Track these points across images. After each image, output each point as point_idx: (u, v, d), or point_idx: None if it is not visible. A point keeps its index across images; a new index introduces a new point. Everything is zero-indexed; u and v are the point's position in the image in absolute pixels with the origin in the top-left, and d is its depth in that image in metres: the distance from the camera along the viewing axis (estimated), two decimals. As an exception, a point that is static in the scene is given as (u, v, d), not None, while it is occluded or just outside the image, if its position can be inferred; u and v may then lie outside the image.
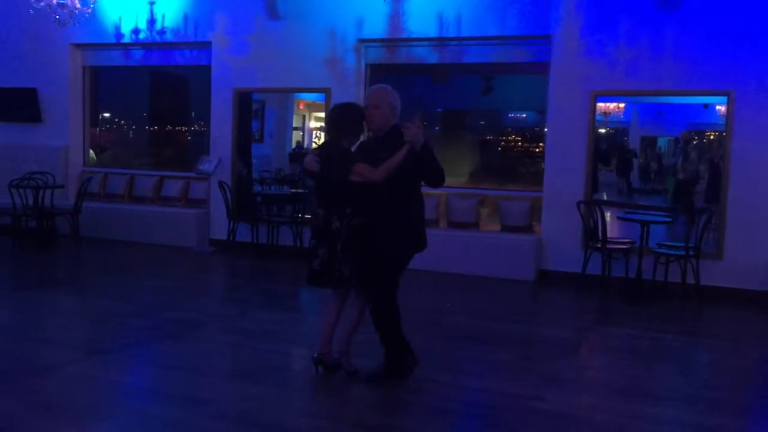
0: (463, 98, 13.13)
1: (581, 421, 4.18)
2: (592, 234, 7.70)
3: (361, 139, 4.65)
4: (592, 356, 5.93)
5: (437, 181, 4.44)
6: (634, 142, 13.48)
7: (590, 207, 7.81)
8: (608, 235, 7.61)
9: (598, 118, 11.34)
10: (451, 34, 8.50)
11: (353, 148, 4.51)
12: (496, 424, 4.13)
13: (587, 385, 4.97)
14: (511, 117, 14.49)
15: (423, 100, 12.69)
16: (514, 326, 6.36)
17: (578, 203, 7.79)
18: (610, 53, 7.81)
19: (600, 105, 11.24)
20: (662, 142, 13.40)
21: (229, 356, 5.38)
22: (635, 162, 13.23)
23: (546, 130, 8.34)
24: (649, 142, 13.60)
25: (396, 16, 8.62)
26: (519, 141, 14.11)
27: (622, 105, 12.30)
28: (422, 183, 4.50)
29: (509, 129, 14.47)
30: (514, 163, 13.43)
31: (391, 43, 8.89)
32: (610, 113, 12.41)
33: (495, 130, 14.26)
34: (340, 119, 4.46)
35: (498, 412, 4.30)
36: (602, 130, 12.59)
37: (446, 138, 13.48)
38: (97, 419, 4.00)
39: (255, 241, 9.34)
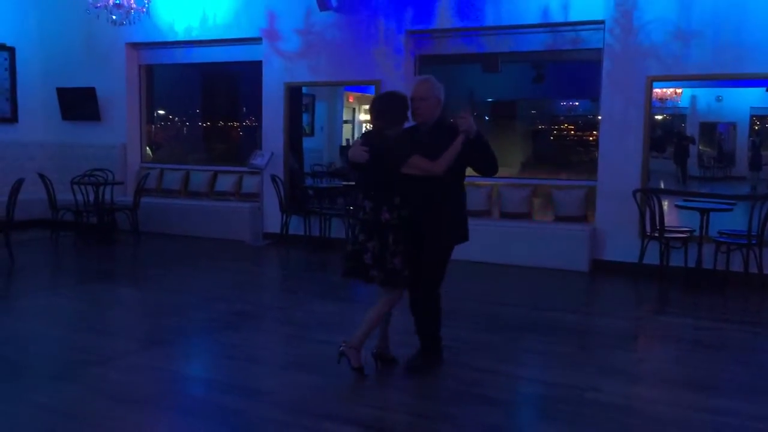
0: (514, 87, 12.99)
1: (640, 413, 4.10)
2: (650, 223, 7.52)
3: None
4: (650, 347, 5.80)
5: (492, 169, 4.46)
6: (692, 129, 13.12)
7: (647, 195, 7.63)
8: (666, 224, 7.43)
9: (654, 104, 11.08)
10: (501, 22, 8.40)
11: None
12: (552, 415, 4.08)
13: (645, 376, 4.86)
14: (563, 105, 14.27)
15: (473, 89, 12.60)
16: (569, 317, 6.26)
17: (634, 192, 7.63)
18: (665, 37, 7.60)
19: (656, 91, 10.99)
20: (723, 128, 13.01)
21: (285, 346, 5.44)
22: (692, 149, 12.88)
23: (600, 117, 8.16)
24: (708, 128, 13.23)
25: (444, 7, 8.57)
26: (572, 129, 13.89)
27: (679, 90, 11.97)
28: (476, 172, 4.52)
29: (561, 117, 14.26)
30: (567, 152, 13.23)
31: (439, 33, 8.84)
32: (666, 99, 12.08)
33: (547, 118, 14.07)
34: (385, 108, 4.40)
35: (554, 402, 4.24)
36: (659, 117, 12.29)
37: (498, 128, 13.36)
38: (159, 407, 4.10)
39: (307, 233, 9.43)
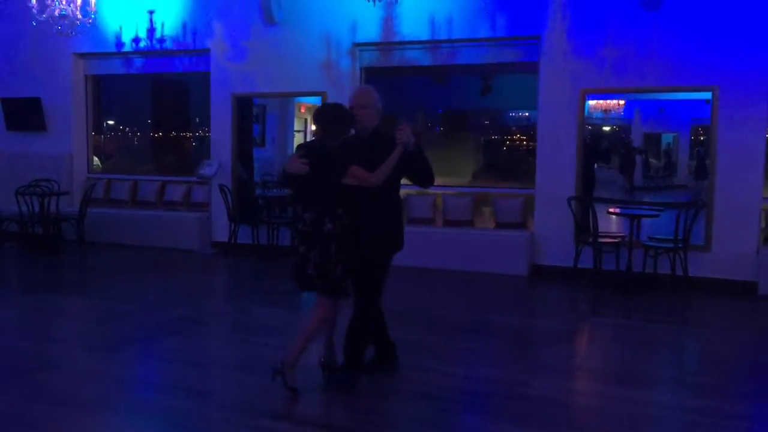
0: (462, 98, 13.32)
1: (565, 404, 4.39)
2: (583, 229, 7.89)
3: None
4: (581, 345, 6.12)
5: (428, 181, 4.59)
6: (636, 139, 13.61)
7: (581, 203, 8.01)
8: (605, 230, 7.81)
9: (597, 115, 11.51)
10: (443, 36, 8.70)
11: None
12: (483, 408, 4.35)
13: (575, 372, 5.16)
14: (511, 116, 14.67)
15: (423, 100, 12.90)
16: (506, 319, 6.55)
17: (569, 199, 7.99)
18: (597, 52, 8.01)
19: (600, 102, 11.44)
20: (667, 138, 13.48)
21: (229, 350, 5.60)
22: (639, 159, 13.34)
23: (537, 128, 8.53)
24: (651, 139, 13.73)
25: (389, 20, 8.84)
26: (523, 139, 14.27)
27: (622, 102, 12.45)
28: (412, 183, 4.67)
29: (510, 128, 14.64)
30: (513, 162, 13.59)
31: (384, 46, 9.10)
32: (610, 110, 12.55)
33: (497, 128, 14.38)
34: (331, 120, 4.40)
35: (486, 397, 4.52)
36: (606, 128, 12.75)
37: (449, 138, 13.65)
38: (105, 410, 4.21)
39: (255, 242, 9.56)
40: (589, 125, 10.12)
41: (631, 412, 4.27)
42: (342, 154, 4.32)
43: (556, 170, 8.27)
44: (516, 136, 13.92)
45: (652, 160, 13.54)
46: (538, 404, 4.32)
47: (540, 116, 8.45)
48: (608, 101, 11.95)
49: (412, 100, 12.51)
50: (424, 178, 4.59)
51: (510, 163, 13.18)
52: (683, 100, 11.41)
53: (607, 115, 12.61)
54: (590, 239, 7.81)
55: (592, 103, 9.77)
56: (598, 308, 7.36)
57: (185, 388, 4.52)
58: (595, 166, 9.68)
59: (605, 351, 5.90)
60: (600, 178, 10.76)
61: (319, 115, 4.47)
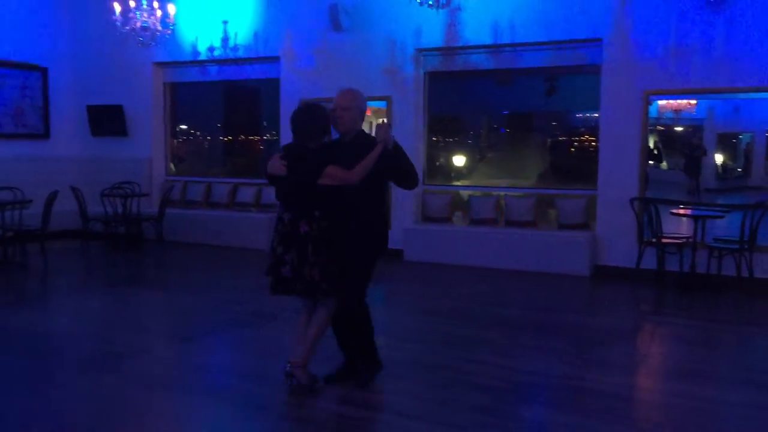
0: (527, 100, 13.37)
1: (622, 398, 4.50)
2: (646, 230, 7.91)
3: (325, 140, 4.50)
4: (641, 343, 6.18)
5: (409, 182, 4.50)
6: (710, 140, 13.34)
7: (644, 204, 8.03)
8: (670, 232, 7.81)
9: (668, 115, 11.35)
10: (506, 40, 8.86)
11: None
12: (537, 399, 4.53)
13: (630, 367, 5.25)
14: (578, 117, 14.58)
15: (488, 103, 13.03)
16: (566, 317, 6.66)
17: (632, 200, 8.02)
18: (660, 53, 8.02)
19: (671, 102, 11.29)
20: (745, 138, 13.12)
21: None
22: (706, 160, 13.06)
23: (599, 129, 8.58)
24: (725, 139, 13.42)
25: (452, 26, 9.05)
26: (588, 141, 14.17)
27: (693, 102, 12.25)
28: (396, 185, 4.57)
29: (576, 129, 14.57)
30: (580, 163, 13.53)
31: (447, 51, 9.32)
32: (681, 110, 12.36)
33: (560, 130, 14.32)
34: (306, 122, 4.34)
35: (540, 389, 4.69)
36: (678, 128, 12.55)
37: (513, 139, 13.70)
38: (185, 392, 4.58)
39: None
40: (661, 126, 10.06)
41: (692, 407, 4.35)
42: (317, 156, 4.27)
43: (619, 171, 8.32)
44: (582, 137, 13.85)
45: (724, 160, 13.21)
46: (592, 397, 4.46)
47: (602, 118, 8.51)
48: (679, 101, 11.78)
49: (476, 102, 12.67)
50: (404, 179, 4.49)
51: (576, 164, 13.14)
52: (761, 99, 11.16)
53: (677, 115, 12.41)
54: (653, 240, 7.82)
55: (662, 103, 9.67)
56: (660, 308, 7.39)
57: (258, 374, 4.85)
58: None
59: (666, 348, 5.97)
60: (665, 180, 10.63)
61: (295, 117, 4.39)
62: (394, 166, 4.36)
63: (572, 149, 14.02)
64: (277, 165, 4.31)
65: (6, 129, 10.90)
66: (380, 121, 4.14)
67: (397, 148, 4.38)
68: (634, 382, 4.94)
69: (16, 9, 10.90)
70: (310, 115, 4.37)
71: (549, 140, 14.24)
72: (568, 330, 6.24)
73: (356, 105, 4.41)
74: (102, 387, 4.63)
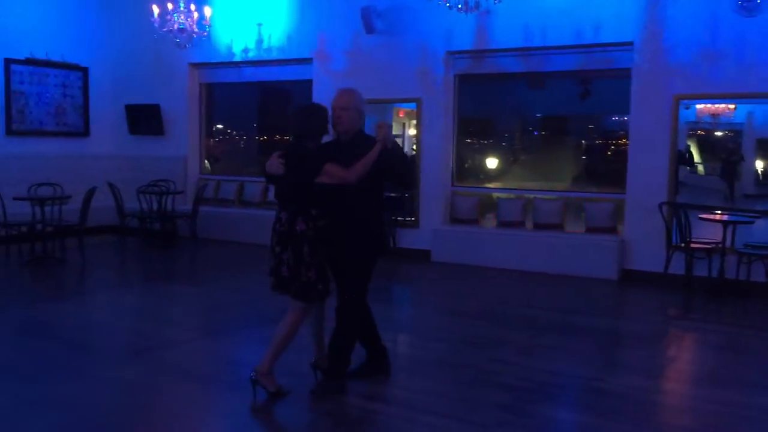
0: (560, 103, 13.34)
1: (642, 401, 4.54)
2: (675, 234, 7.89)
3: (324, 140, 4.51)
4: (666, 347, 6.17)
5: (405, 183, 4.53)
6: (748, 145, 13.15)
7: (673, 208, 8.01)
8: (699, 237, 7.79)
9: (706, 119, 11.24)
10: (536, 44, 8.90)
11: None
12: (558, 398, 4.60)
13: (654, 371, 5.27)
14: (615, 120, 14.48)
15: (520, 105, 13.04)
16: (592, 320, 6.69)
17: (660, 204, 8.01)
18: (691, 58, 7.99)
19: (708, 107, 11.18)
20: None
21: (326, 338, 6.04)
22: (744, 165, 12.87)
23: (629, 133, 8.58)
24: (766, 145, 13.21)
25: (482, 29, 9.12)
26: (622, 144, 14.06)
27: (732, 106, 12.11)
28: (393, 186, 4.64)
29: (611, 132, 14.47)
30: (613, 166, 13.44)
31: (478, 54, 9.39)
32: (719, 115, 12.22)
33: (595, 133, 14.23)
34: (304, 120, 4.34)
35: (562, 389, 4.76)
36: (718, 133, 12.38)
37: (549, 143, 13.66)
38: (215, 383, 4.76)
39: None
40: (701, 131, 9.97)
41: (715, 411, 4.38)
42: (309, 155, 4.28)
43: (648, 175, 8.30)
44: (617, 140, 13.76)
45: (766, 167, 13.00)
46: (612, 398, 4.51)
47: (632, 121, 8.51)
48: (716, 105, 11.66)
49: (508, 105, 12.69)
50: (400, 179, 4.56)
51: (610, 168, 13.06)
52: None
53: (715, 119, 12.28)
54: (682, 245, 7.80)
55: (699, 107, 9.64)
56: (687, 312, 7.37)
57: (285, 368, 4.96)
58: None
59: (692, 353, 5.98)
60: (702, 185, 10.54)
61: (293, 116, 4.41)
62: (392, 165, 4.34)
63: (608, 152, 13.91)
64: (275, 164, 4.31)
65: (48, 127, 11.26)
66: (380, 121, 4.12)
67: (396, 148, 4.39)
68: (656, 385, 4.96)
69: (59, 11, 11.24)
70: (309, 114, 4.37)
71: (584, 143, 14.18)
72: (593, 332, 6.28)
73: (354, 105, 4.40)
74: (135, 377, 4.81)
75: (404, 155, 4.48)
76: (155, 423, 4.21)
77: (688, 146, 8.86)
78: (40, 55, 10.98)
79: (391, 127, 4.24)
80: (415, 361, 5.35)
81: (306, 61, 10.51)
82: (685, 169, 9.38)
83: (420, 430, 4.02)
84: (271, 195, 11.16)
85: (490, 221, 9.75)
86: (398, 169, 4.43)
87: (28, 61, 10.87)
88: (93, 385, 4.65)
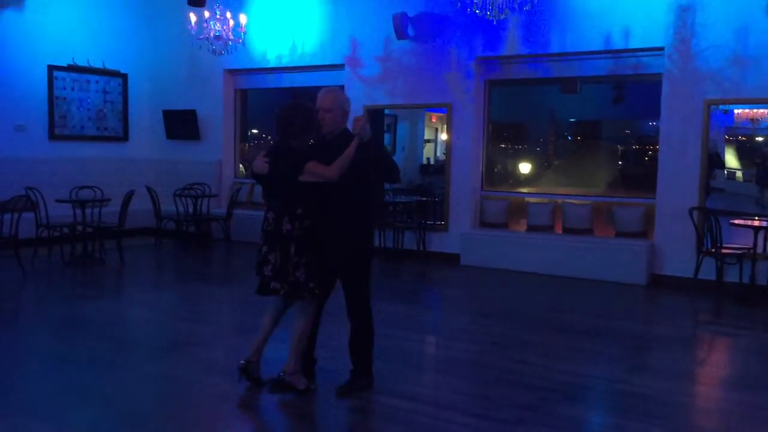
0: (594, 108, 13.30)
1: (660, 402, 4.57)
2: (705, 240, 7.86)
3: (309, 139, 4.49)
4: (691, 351, 6.16)
5: (391, 175, 4.52)
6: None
7: (704, 213, 7.98)
8: (730, 243, 7.76)
9: (745, 124, 11.12)
10: (566, 49, 8.95)
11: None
12: (580, 399, 4.66)
13: (679, 374, 5.28)
14: (645, 125, 14.37)
15: (553, 110, 13.04)
16: (619, 323, 6.71)
17: (690, 210, 7.99)
18: (722, 62, 7.97)
19: (746, 111, 11.04)
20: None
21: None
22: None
23: (659, 138, 8.57)
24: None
25: (512, 35, 9.20)
26: (655, 149, 13.92)
27: (769, 111, 11.95)
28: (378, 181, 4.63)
29: (645, 137, 14.36)
30: (645, 171, 13.34)
31: (507, 59, 9.46)
32: (758, 119, 12.07)
33: (629, 138, 14.14)
34: (289, 120, 4.32)
35: (584, 390, 4.82)
36: (759, 138, 12.23)
37: (582, 147, 13.64)
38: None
39: (382, 245, 10.17)
40: (742, 136, 9.87)
41: (740, 414, 4.41)
42: (292, 154, 4.27)
43: (678, 180, 8.29)
44: (652, 145, 13.64)
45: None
46: (636, 400, 4.55)
47: (663, 127, 8.50)
48: (755, 110, 11.53)
49: (540, 109, 12.71)
50: (384, 172, 4.53)
51: (643, 172, 12.96)
52: None
53: (754, 125, 12.13)
54: (712, 250, 7.77)
55: (737, 111, 9.56)
56: (717, 317, 7.34)
57: (318, 367, 5.12)
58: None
59: (719, 357, 5.98)
60: (739, 191, 10.40)
61: (278, 115, 4.38)
62: (372, 159, 4.32)
63: (645, 158, 13.80)
64: (261, 163, 4.32)
65: (89, 132, 11.62)
66: (358, 116, 4.08)
67: (375, 141, 4.36)
68: (682, 387, 4.98)
69: (99, 19, 11.60)
70: (293, 113, 4.34)
71: (620, 148, 14.08)
72: (620, 336, 6.31)
73: (338, 106, 4.41)
74: (168, 372, 5.00)
75: (385, 149, 4.51)
76: (188, 414, 4.39)
77: (717, 151, 8.78)
78: (82, 62, 11.35)
79: (367, 120, 4.30)
80: (441, 360, 5.46)
81: (338, 66, 10.68)
82: (722, 174, 9.28)
83: (444, 427, 4.12)
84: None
85: (519, 225, 9.80)
86: (380, 162, 4.41)
87: (70, 68, 11.25)
88: (130, 378, 4.86)
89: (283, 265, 4.27)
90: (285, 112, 4.35)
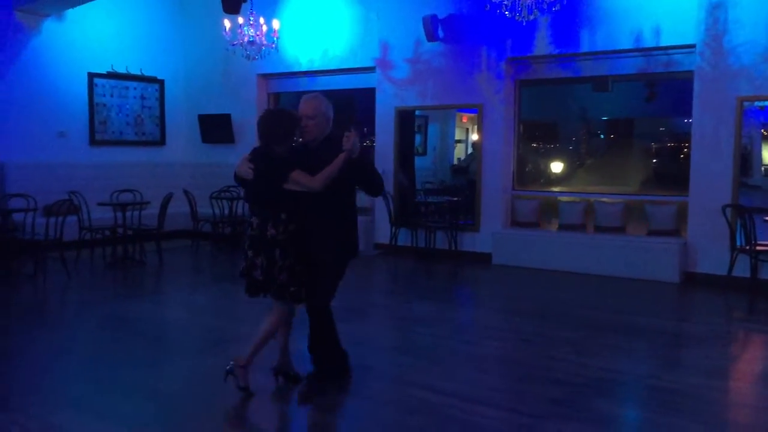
0: (626, 106, 13.24)
1: (691, 397, 4.60)
2: (739, 237, 7.81)
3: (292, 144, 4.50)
4: (724, 347, 6.13)
5: (376, 190, 4.59)
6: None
7: (736, 211, 7.93)
8: (765, 240, 7.70)
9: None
10: (597, 48, 8.96)
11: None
12: (611, 394, 4.71)
13: (711, 370, 5.28)
14: (678, 123, 14.24)
15: (585, 109, 13.01)
16: (651, 321, 6.71)
17: (724, 207, 7.95)
18: (754, 59, 7.92)
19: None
20: None
21: (387, 335, 6.31)
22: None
23: (692, 135, 8.53)
24: None
25: (542, 35, 9.24)
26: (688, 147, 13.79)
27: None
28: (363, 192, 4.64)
29: (676, 135, 14.24)
30: (678, 169, 13.22)
31: (537, 59, 9.50)
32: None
33: (664, 136, 14.03)
34: (272, 126, 4.31)
35: (616, 385, 4.87)
36: None
37: (615, 146, 13.58)
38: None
39: (414, 244, 10.28)
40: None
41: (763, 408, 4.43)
42: (284, 159, 4.28)
43: (711, 178, 8.25)
44: (686, 143, 13.51)
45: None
46: (668, 394, 4.59)
47: (695, 124, 8.46)
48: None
49: (573, 108, 12.69)
50: (369, 187, 4.56)
51: (677, 170, 12.85)
52: None
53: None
54: (746, 247, 7.72)
55: (773, 108, 9.48)
56: (750, 314, 7.30)
57: (354, 363, 5.24)
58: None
59: (751, 353, 5.96)
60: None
61: (261, 120, 4.37)
62: (359, 174, 4.39)
63: (679, 155, 13.68)
64: (244, 168, 4.32)
65: (127, 136, 11.94)
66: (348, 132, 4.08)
67: (364, 158, 4.42)
68: (714, 383, 4.98)
69: (137, 28, 11.92)
70: (276, 119, 4.34)
71: (653, 146, 13.96)
72: (652, 333, 6.32)
73: (321, 112, 4.40)
74: (205, 368, 5.16)
75: (372, 165, 4.60)
76: (226, 408, 4.53)
77: (752, 147, 8.71)
78: (121, 69, 11.67)
79: (358, 136, 4.33)
80: (473, 357, 5.52)
81: (369, 69, 10.81)
82: (759, 171, 9.19)
83: (475, 420, 4.21)
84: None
85: (551, 225, 9.82)
86: (366, 179, 4.48)
87: (110, 75, 11.57)
88: (169, 374, 5.05)
89: (270, 268, 4.33)
90: (269, 118, 4.36)
